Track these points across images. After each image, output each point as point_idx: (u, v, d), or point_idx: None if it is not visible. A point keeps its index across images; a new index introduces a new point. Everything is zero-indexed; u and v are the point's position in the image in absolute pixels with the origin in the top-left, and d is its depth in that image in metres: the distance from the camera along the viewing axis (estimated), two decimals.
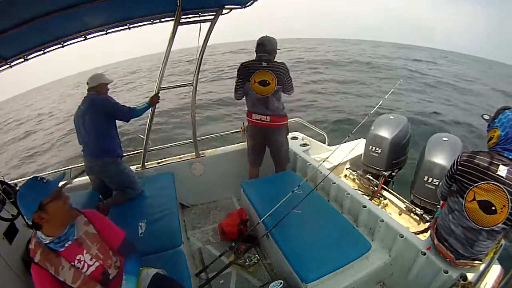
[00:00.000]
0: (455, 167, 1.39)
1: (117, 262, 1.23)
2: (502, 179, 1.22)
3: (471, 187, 1.30)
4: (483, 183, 1.26)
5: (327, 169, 2.40)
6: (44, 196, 1.00)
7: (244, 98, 2.43)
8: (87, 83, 2.10)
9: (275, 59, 2.35)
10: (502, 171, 1.23)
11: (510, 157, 1.25)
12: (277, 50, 2.36)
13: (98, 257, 1.15)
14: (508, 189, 1.20)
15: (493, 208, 1.24)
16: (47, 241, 1.05)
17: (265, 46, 2.28)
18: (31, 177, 1.10)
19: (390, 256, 1.72)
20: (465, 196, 1.33)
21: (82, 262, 1.11)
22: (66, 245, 1.08)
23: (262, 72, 2.24)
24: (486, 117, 1.43)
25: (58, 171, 2.72)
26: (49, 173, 2.74)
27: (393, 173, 2.74)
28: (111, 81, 2.19)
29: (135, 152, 2.64)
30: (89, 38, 1.94)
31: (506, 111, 1.31)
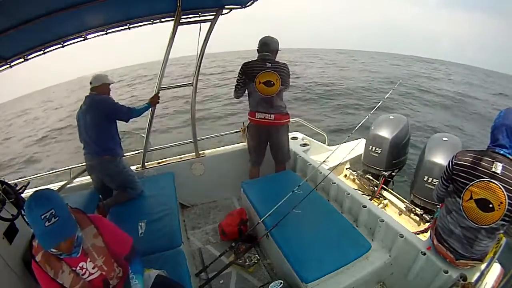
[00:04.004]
0: (450, 168, 1.39)
1: (119, 273, 1.21)
2: (498, 176, 1.22)
3: (467, 187, 1.30)
4: (479, 181, 1.26)
5: (327, 169, 2.40)
6: (62, 240, 0.97)
7: (247, 98, 2.45)
8: (90, 83, 2.11)
9: (276, 59, 2.37)
10: (497, 167, 1.23)
11: (501, 152, 1.25)
12: (278, 50, 2.39)
13: (102, 269, 1.13)
14: (505, 185, 1.20)
15: (491, 205, 1.24)
16: (51, 251, 1.03)
17: (269, 46, 2.31)
18: (46, 213, 0.92)
19: (390, 256, 1.72)
20: (462, 196, 1.33)
21: (84, 270, 1.10)
22: (68, 257, 1.06)
23: (267, 73, 2.26)
24: None
25: (59, 171, 2.71)
26: (49, 173, 2.74)
27: (393, 173, 2.74)
28: (113, 82, 2.22)
29: (135, 152, 2.64)
30: (89, 38, 1.94)
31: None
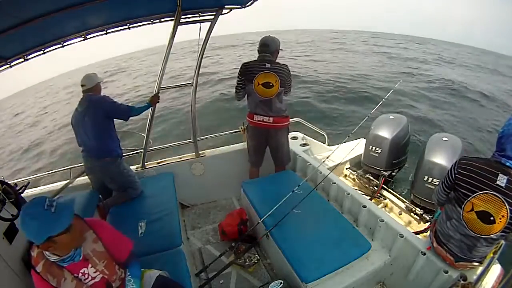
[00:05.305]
0: (452, 176, 1.35)
1: (122, 275, 1.21)
2: (502, 189, 1.18)
3: (469, 198, 1.27)
4: (482, 194, 1.23)
5: (327, 169, 2.40)
6: (54, 233, 0.94)
7: (246, 98, 2.42)
8: (82, 85, 2.08)
9: (277, 59, 2.34)
10: (501, 180, 1.19)
11: (507, 164, 1.21)
12: (280, 50, 2.35)
13: (103, 272, 1.13)
14: (508, 199, 1.17)
15: (492, 218, 1.21)
16: (52, 259, 1.03)
17: (269, 46, 2.27)
18: (36, 200, 0.96)
19: (390, 256, 1.72)
20: (463, 206, 1.30)
21: (86, 275, 1.10)
22: (71, 263, 1.06)
23: (266, 74, 2.22)
24: None
25: (58, 171, 2.71)
26: (49, 173, 2.74)
27: (393, 173, 2.74)
28: (103, 79, 2.22)
29: (135, 152, 2.64)
30: (89, 38, 1.94)
31: None
